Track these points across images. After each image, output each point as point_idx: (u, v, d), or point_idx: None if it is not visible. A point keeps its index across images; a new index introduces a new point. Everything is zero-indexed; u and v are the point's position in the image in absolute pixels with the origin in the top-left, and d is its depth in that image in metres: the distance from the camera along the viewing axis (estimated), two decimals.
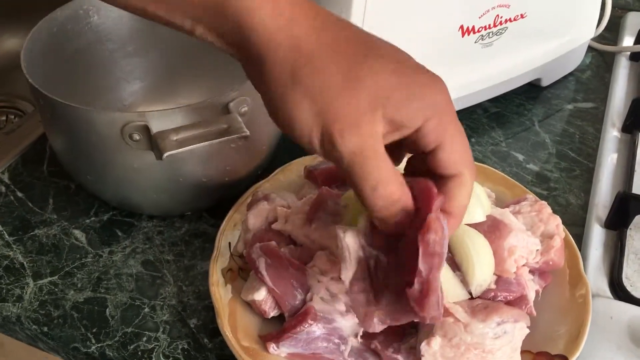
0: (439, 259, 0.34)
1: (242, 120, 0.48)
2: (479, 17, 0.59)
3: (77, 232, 0.55)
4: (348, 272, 0.37)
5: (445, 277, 0.43)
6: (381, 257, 0.37)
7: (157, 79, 0.66)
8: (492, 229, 0.45)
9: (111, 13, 0.62)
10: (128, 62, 0.65)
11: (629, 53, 0.73)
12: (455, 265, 0.43)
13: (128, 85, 0.66)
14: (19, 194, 0.59)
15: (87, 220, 0.56)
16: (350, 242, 0.38)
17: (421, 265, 0.33)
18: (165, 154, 0.43)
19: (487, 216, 0.45)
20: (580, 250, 0.50)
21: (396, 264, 0.36)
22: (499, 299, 0.43)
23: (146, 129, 0.46)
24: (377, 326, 0.36)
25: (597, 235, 0.53)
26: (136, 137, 0.47)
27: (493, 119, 0.67)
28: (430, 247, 0.33)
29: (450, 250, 0.44)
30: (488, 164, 0.61)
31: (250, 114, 0.50)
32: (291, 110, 0.32)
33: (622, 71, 0.71)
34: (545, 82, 0.69)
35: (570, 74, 0.72)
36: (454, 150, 0.34)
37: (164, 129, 0.45)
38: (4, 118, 0.95)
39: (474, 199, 0.46)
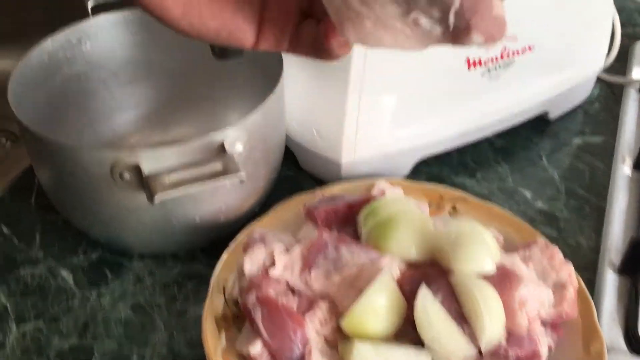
0: None
1: (238, 159, 0.46)
2: (486, 49, 0.57)
3: (64, 272, 0.52)
4: None
5: (451, 332, 0.40)
6: None
7: (150, 108, 0.64)
8: (501, 278, 0.42)
9: (104, 41, 0.60)
10: (121, 90, 0.62)
11: (638, 85, 0.71)
12: (463, 319, 0.41)
13: (121, 114, 0.63)
14: (5, 230, 0.56)
15: (75, 259, 0.53)
16: None
17: None
18: (157, 199, 0.41)
19: (497, 265, 0.43)
20: (592, 297, 0.47)
21: None
22: (510, 356, 0.41)
23: (137, 168, 0.44)
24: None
25: (610, 281, 0.50)
26: (126, 176, 0.44)
27: (499, 153, 0.64)
28: None
29: (457, 302, 0.41)
30: (495, 202, 0.58)
31: (247, 151, 0.48)
32: None
33: (631, 104, 0.69)
34: (552, 115, 0.67)
35: (579, 106, 0.70)
36: None
37: (156, 171, 0.43)
38: None
39: (482, 246, 0.44)
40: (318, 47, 0.33)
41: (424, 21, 0.30)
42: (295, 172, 0.62)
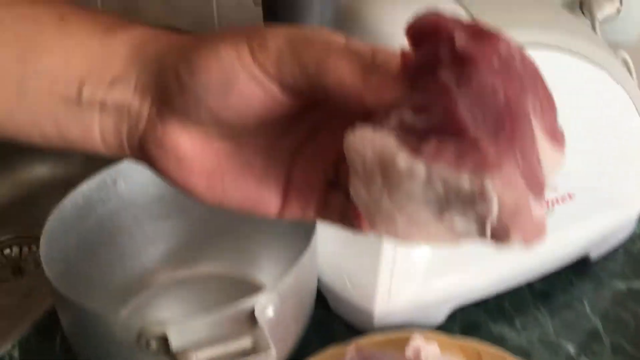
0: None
1: (268, 325, 0.44)
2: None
3: None
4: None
5: None
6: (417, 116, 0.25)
7: (180, 242, 0.63)
8: None
9: (138, 179, 0.60)
10: (152, 225, 0.62)
11: None
12: None
13: (151, 249, 0.63)
14: None
15: None
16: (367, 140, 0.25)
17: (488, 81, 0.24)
18: None
19: None
20: None
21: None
22: None
23: (164, 338, 0.43)
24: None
25: None
26: (153, 345, 0.43)
27: (538, 298, 0.62)
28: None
29: None
30: (535, 357, 0.55)
31: (278, 314, 0.46)
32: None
33: None
34: (593, 256, 0.65)
35: (620, 245, 0.68)
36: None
37: (184, 344, 0.42)
38: (26, 249, 0.93)
39: None
40: (346, 221, 0.32)
41: (459, 223, 0.28)
42: (326, 315, 0.60)
